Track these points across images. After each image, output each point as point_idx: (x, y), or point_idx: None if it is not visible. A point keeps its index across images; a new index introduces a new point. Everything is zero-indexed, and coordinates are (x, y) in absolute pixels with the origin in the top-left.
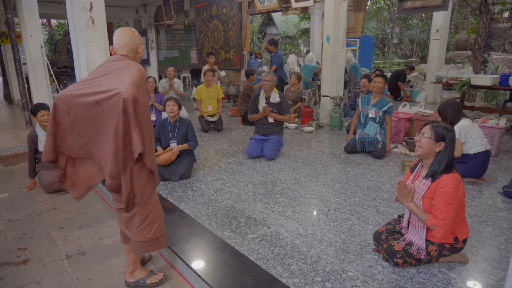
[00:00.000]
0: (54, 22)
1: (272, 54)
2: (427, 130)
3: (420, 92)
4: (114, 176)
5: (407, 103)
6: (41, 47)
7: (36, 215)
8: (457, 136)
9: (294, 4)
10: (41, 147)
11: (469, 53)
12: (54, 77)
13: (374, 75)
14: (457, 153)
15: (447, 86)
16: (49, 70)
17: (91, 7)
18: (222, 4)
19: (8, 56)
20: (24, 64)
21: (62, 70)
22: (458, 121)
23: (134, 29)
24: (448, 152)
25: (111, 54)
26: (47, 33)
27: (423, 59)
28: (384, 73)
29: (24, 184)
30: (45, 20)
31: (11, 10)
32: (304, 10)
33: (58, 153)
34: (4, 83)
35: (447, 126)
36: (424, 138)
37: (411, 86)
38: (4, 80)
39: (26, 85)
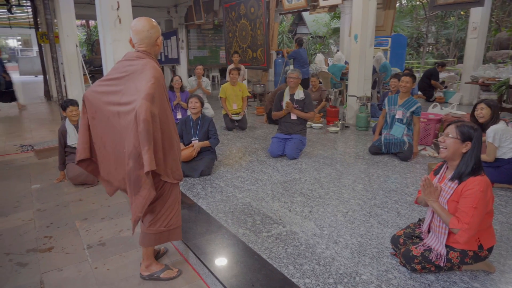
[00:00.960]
0: (92, 23)
1: None
2: (452, 130)
3: (454, 93)
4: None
5: (437, 103)
6: (76, 46)
7: (63, 206)
8: (491, 140)
9: (322, 3)
10: (69, 141)
11: None
12: (88, 75)
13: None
14: (490, 158)
15: (486, 87)
16: (83, 69)
17: (118, 6)
18: (250, 4)
19: (48, 55)
20: (62, 63)
21: (98, 68)
22: (495, 123)
23: (152, 19)
24: (476, 153)
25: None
26: (86, 33)
27: (461, 59)
28: (413, 73)
29: (56, 176)
30: (83, 21)
31: (49, 12)
32: (332, 8)
33: (91, 148)
34: (44, 81)
35: (473, 125)
36: (449, 139)
37: (445, 87)
38: (44, 79)
39: (64, 83)
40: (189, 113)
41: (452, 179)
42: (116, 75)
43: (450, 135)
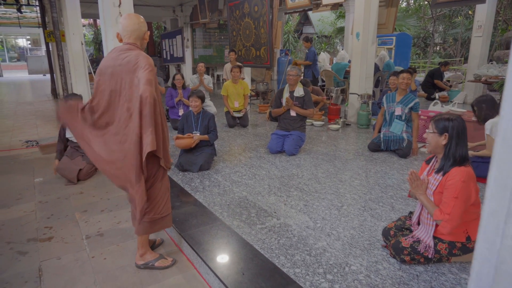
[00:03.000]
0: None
1: (307, 51)
2: (431, 125)
3: (459, 92)
4: (133, 184)
5: (438, 101)
6: (82, 44)
7: (64, 198)
8: (488, 132)
9: (325, 1)
10: (68, 134)
11: None
12: (93, 74)
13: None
14: (491, 152)
15: (492, 87)
16: (89, 67)
17: (120, 3)
18: (254, 2)
19: (55, 54)
20: (69, 62)
21: None
22: (493, 117)
23: (140, 15)
24: (456, 142)
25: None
26: (93, 33)
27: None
28: (414, 70)
29: None
30: (91, 20)
31: (56, 10)
32: (335, 6)
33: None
34: (51, 79)
35: (450, 117)
36: (429, 134)
37: (450, 86)
38: (51, 77)
39: (70, 81)
40: (190, 109)
41: (437, 171)
42: (111, 67)
43: (429, 130)
